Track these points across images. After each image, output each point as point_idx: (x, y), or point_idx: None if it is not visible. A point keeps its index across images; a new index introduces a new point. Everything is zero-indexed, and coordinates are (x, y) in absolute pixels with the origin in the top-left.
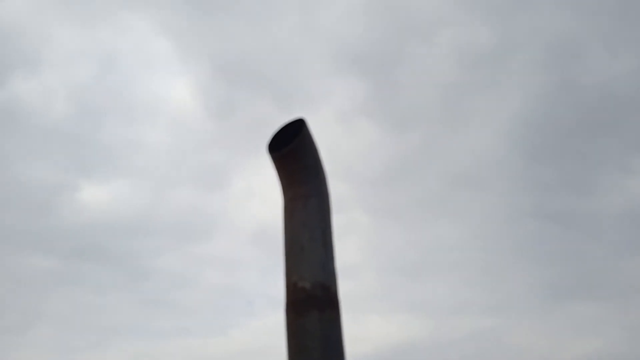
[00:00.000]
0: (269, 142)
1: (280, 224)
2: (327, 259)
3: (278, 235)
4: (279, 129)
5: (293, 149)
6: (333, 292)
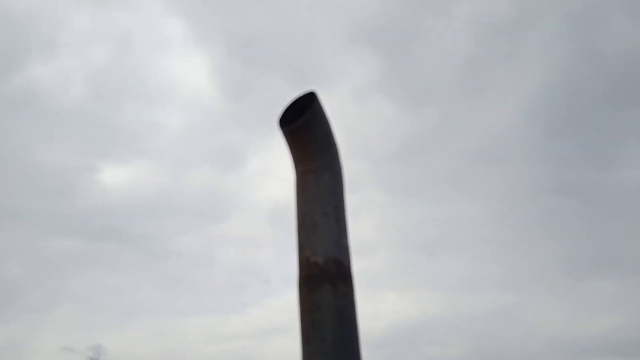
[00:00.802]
0: (280, 117)
1: (293, 199)
2: (340, 234)
3: (294, 212)
4: (290, 102)
5: (304, 123)
6: (346, 267)
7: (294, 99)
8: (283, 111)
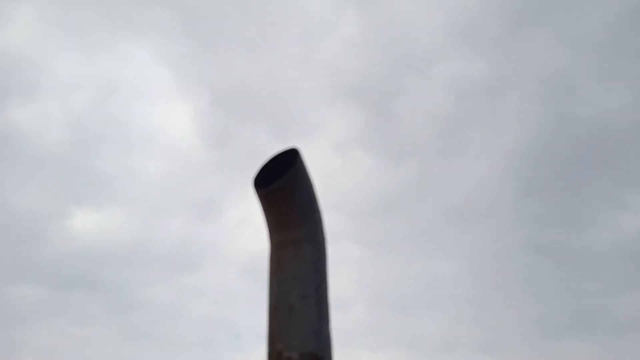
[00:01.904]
0: (255, 176)
1: (265, 271)
2: (321, 321)
3: (266, 291)
4: (268, 160)
5: (283, 185)
6: None
7: (272, 156)
8: (259, 170)
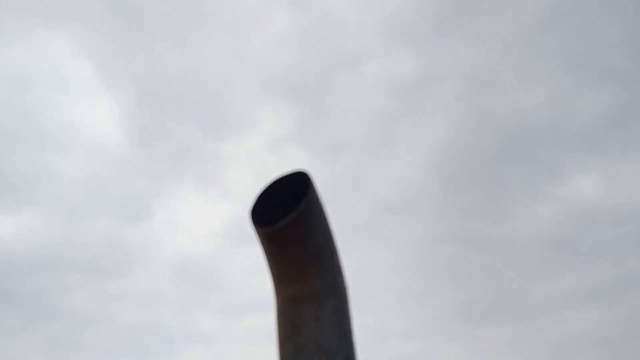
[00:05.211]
0: (252, 207)
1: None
2: None
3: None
4: (268, 185)
5: (294, 222)
6: None
7: (274, 180)
8: (257, 198)
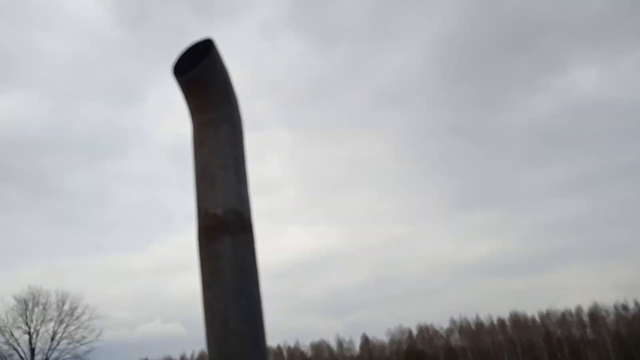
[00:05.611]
0: (174, 64)
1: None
2: (240, 185)
3: (191, 163)
4: (186, 49)
5: (200, 73)
6: (246, 217)
7: (189, 46)
8: (178, 58)
